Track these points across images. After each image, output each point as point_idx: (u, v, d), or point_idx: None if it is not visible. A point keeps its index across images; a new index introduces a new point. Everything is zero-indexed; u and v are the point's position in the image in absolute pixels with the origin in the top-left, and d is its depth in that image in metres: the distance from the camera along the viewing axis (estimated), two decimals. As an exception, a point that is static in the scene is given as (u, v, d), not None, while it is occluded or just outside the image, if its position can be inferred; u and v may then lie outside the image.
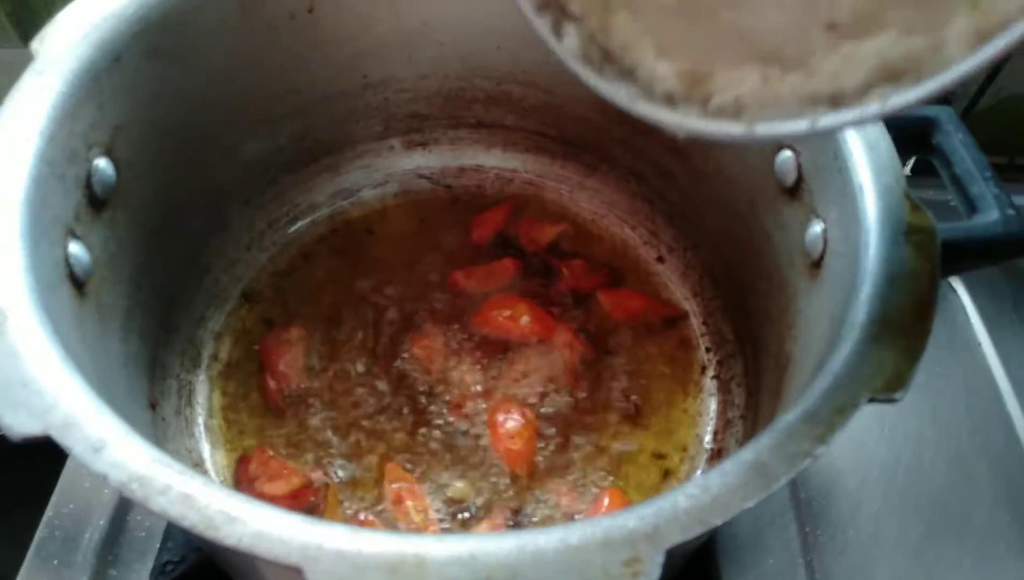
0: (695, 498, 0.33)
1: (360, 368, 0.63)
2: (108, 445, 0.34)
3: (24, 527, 0.59)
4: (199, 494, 0.33)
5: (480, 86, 0.71)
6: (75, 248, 0.46)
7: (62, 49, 0.48)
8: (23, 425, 0.34)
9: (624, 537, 0.32)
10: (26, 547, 0.58)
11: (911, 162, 0.80)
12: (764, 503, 0.33)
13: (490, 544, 0.32)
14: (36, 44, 0.48)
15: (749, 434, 0.60)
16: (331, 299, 0.67)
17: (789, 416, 0.36)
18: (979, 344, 0.74)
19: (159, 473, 0.33)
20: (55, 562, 0.57)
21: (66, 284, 0.44)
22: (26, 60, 0.48)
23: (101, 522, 0.59)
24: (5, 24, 0.95)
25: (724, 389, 0.63)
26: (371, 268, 0.68)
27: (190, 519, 0.32)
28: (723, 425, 0.61)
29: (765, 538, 0.62)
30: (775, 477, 0.34)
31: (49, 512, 0.59)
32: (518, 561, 0.31)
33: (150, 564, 0.57)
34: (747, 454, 0.35)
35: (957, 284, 0.77)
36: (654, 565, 0.32)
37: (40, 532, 0.58)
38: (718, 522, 0.33)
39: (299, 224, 0.71)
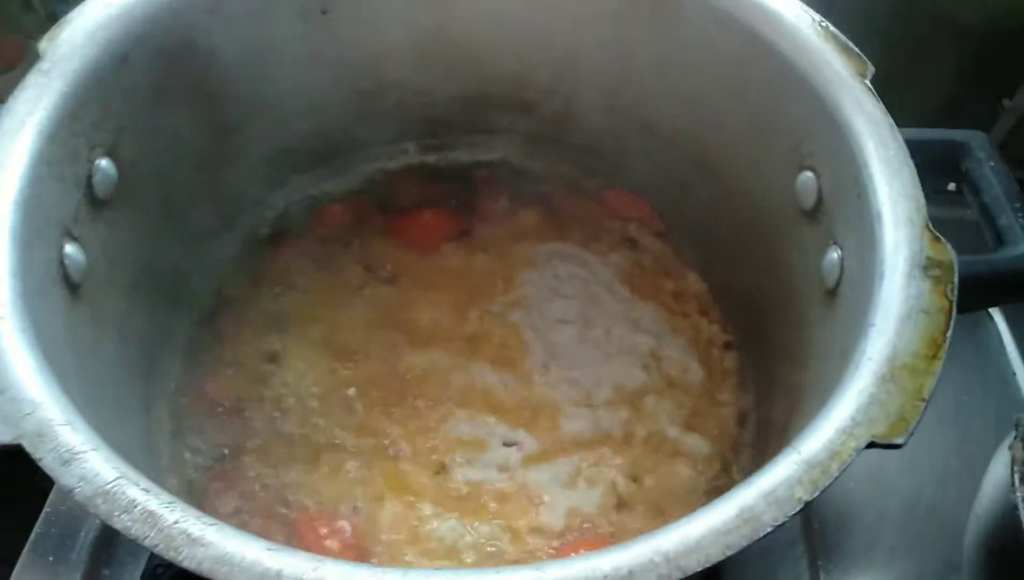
0: (675, 542, 0.32)
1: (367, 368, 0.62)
2: (77, 458, 0.33)
3: (23, 521, 0.60)
4: (163, 513, 0.32)
5: (497, 91, 0.69)
6: (71, 249, 0.46)
7: (69, 48, 0.48)
8: (-4, 433, 0.33)
9: (597, 582, 0.30)
10: (24, 541, 0.59)
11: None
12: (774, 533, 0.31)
13: (457, 581, 0.30)
14: (44, 44, 0.48)
15: (756, 461, 0.58)
16: (338, 301, 0.66)
17: (783, 458, 0.34)
18: (1014, 374, 0.71)
19: (125, 489, 0.32)
20: (50, 558, 0.58)
21: (59, 286, 0.44)
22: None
23: (97, 521, 0.59)
24: (41, 16, 0.96)
25: (734, 415, 0.61)
26: (380, 271, 0.67)
27: (151, 539, 0.31)
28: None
29: (774, 572, 0.60)
30: (762, 524, 0.32)
31: (47, 508, 0.59)
32: (483, 603, 0.30)
33: (142, 565, 0.57)
34: (735, 497, 0.33)
35: (995, 312, 0.73)
36: (628, 613, 0.30)
37: (37, 528, 0.58)
38: (696, 568, 0.31)
39: (308, 226, 0.70)
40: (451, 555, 0.53)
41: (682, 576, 0.31)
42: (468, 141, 0.73)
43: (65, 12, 0.49)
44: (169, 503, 0.32)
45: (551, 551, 0.53)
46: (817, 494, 0.33)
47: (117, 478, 0.32)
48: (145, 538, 0.31)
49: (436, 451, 0.59)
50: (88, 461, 0.33)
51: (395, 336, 0.64)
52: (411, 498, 0.56)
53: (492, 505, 0.56)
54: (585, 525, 0.54)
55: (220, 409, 0.60)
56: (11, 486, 0.64)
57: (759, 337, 0.62)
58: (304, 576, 0.30)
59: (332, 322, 0.64)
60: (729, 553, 0.31)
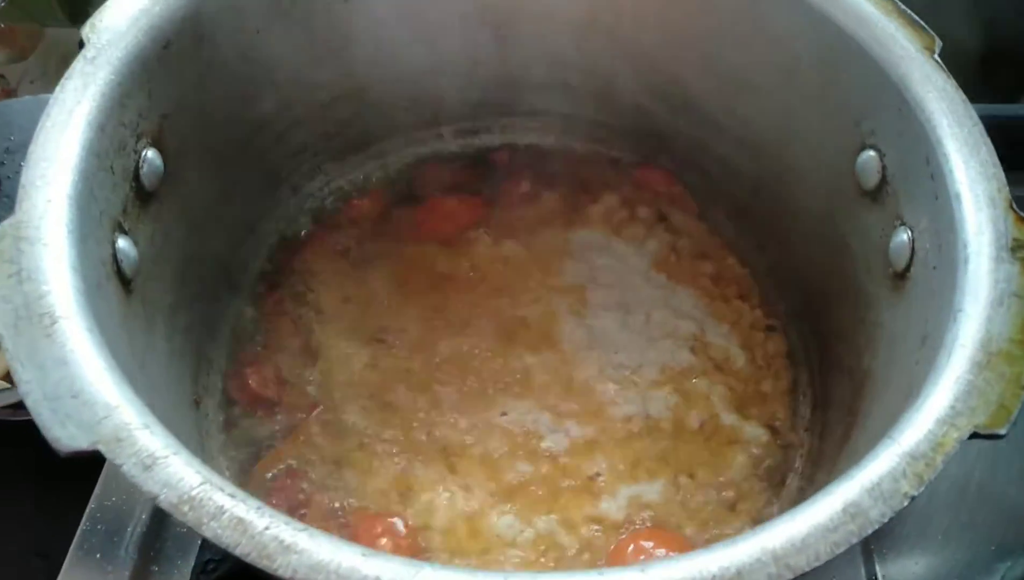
0: (782, 539, 0.31)
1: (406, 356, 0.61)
2: (158, 462, 0.32)
3: (66, 508, 0.59)
4: (253, 519, 0.31)
5: (535, 72, 0.68)
6: (123, 243, 0.44)
7: (112, 35, 0.46)
8: (72, 439, 0.32)
9: (705, 583, 0.30)
10: (71, 538, 0.58)
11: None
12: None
13: (560, 584, 0.30)
14: (87, 31, 0.46)
15: (815, 448, 0.57)
16: (372, 292, 0.64)
17: (883, 450, 0.33)
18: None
19: (212, 495, 0.31)
20: (98, 555, 0.57)
21: (113, 281, 0.43)
22: (72, 38, 0.46)
23: (143, 516, 0.58)
24: (53, 3, 0.94)
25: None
26: (420, 260, 0.66)
27: (243, 547, 0.30)
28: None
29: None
30: (870, 521, 0.31)
31: (92, 505, 0.58)
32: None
33: (192, 561, 0.56)
34: (837, 491, 0.32)
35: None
36: (736, 615, 0.29)
37: (83, 525, 0.57)
38: (805, 568, 0.30)
39: (346, 212, 0.68)
40: (510, 549, 0.53)
41: (791, 576, 0.30)
42: (503, 124, 0.72)
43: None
44: (257, 508, 0.31)
45: (615, 543, 0.52)
46: (923, 488, 0.32)
47: (202, 483, 0.31)
48: (236, 546, 0.30)
49: (483, 442, 0.57)
50: (170, 466, 0.32)
51: (432, 326, 0.63)
52: (462, 492, 0.55)
53: (547, 497, 0.55)
54: (646, 514, 0.54)
55: (264, 402, 0.59)
56: (55, 486, 0.64)
57: (811, 319, 0.61)
58: (403, 582, 0.29)
59: (368, 313, 0.63)
60: (839, 551, 0.30)
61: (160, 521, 0.58)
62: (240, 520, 0.31)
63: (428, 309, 0.63)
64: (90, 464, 0.59)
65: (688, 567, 0.30)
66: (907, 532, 0.61)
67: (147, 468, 0.32)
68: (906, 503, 0.32)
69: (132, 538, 0.57)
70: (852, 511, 0.31)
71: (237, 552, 0.30)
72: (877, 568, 0.59)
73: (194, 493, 0.31)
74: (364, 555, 0.30)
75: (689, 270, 0.66)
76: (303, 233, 0.66)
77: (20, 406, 0.65)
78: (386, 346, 0.61)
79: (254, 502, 0.31)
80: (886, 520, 0.31)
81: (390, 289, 0.64)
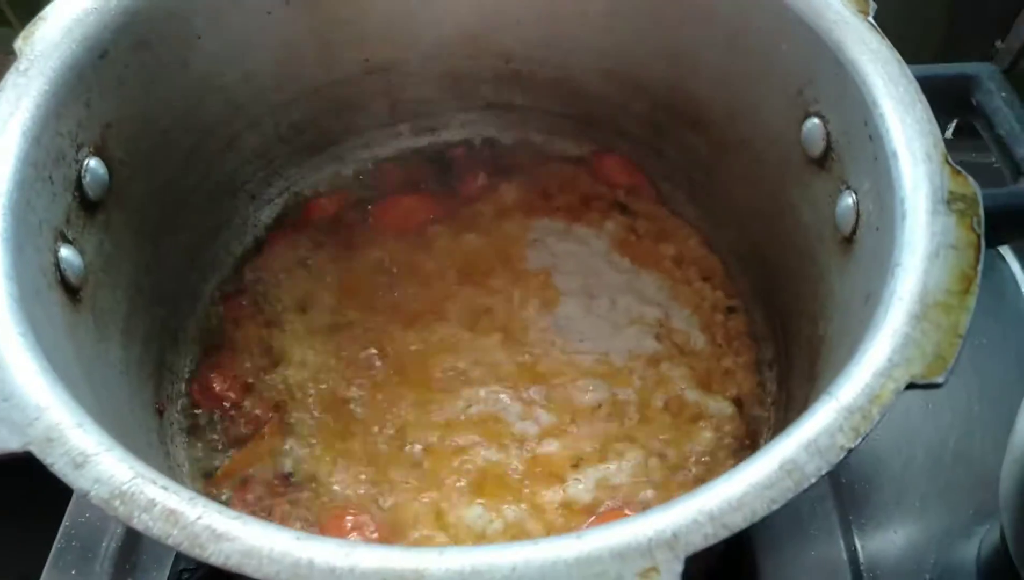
0: (718, 499, 0.31)
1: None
2: (90, 460, 0.32)
3: (45, 529, 0.59)
4: (185, 509, 0.31)
5: (488, 65, 0.68)
6: (66, 252, 0.44)
7: (46, 46, 0.46)
8: (3, 441, 0.32)
9: (640, 545, 0.29)
10: (45, 557, 0.57)
11: (951, 126, 0.76)
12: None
13: (496, 557, 0.29)
14: (19, 42, 0.46)
15: (781, 420, 0.56)
16: (334, 291, 0.64)
17: (820, 406, 0.33)
18: (1031, 315, 0.69)
19: (143, 488, 0.31)
20: (73, 572, 0.56)
21: (56, 290, 0.43)
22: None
23: (118, 530, 0.58)
24: (19, 32, 0.94)
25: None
26: (380, 258, 0.66)
27: (175, 537, 0.30)
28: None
29: (805, 527, 0.59)
30: (806, 475, 0.31)
31: (66, 522, 0.58)
32: (524, 576, 0.29)
33: (167, 572, 0.56)
34: (775, 450, 0.32)
35: (1006, 251, 0.72)
36: (672, 575, 0.29)
37: (57, 543, 0.57)
38: (743, 525, 0.30)
39: (305, 215, 0.68)
40: (480, 541, 0.52)
41: (729, 534, 0.30)
42: (462, 119, 0.72)
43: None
44: (190, 499, 0.31)
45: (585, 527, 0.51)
46: (860, 441, 0.32)
47: (133, 477, 0.31)
48: (168, 537, 0.30)
49: (451, 432, 0.57)
50: (102, 463, 0.32)
51: (395, 322, 0.62)
52: (430, 484, 0.55)
53: (516, 485, 0.55)
54: (614, 499, 0.53)
55: (228, 404, 0.59)
56: (26, 501, 0.63)
57: (771, 294, 0.61)
58: (337, 563, 0.29)
59: (331, 312, 0.63)
60: (775, 507, 0.30)
61: (135, 534, 0.58)
62: (172, 511, 0.30)
63: (389, 306, 0.63)
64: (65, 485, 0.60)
65: (623, 531, 0.30)
66: (884, 500, 0.61)
67: (78, 466, 0.31)
68: (843, 456, 0.31)
69: (107, 553, 0.57)
70: (788, 467, 0.31)
71: (169, 542, 0.30)
72: (856, 540, 0.59)
73: (125, 487, 0.31)
74: (298, 539, 0.30)
75: (651, 253, 0.66)
76: (263, 237, 0.66)
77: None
78: (349, 345, 0.61)
79: (187, 493, 0.31)
80: (823, 474, 0.31)
81: (350, 289, 0.64)
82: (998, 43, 0.89)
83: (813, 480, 0.31)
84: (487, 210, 0.69)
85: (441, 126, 0.72)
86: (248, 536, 0.30)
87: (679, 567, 0.29)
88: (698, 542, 0.29)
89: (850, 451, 0.32)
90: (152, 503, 0.31)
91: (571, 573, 0.29)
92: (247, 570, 0.29)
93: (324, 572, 0.29)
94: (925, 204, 0.39)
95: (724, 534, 0.30)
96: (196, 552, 0.29)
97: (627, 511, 0.52)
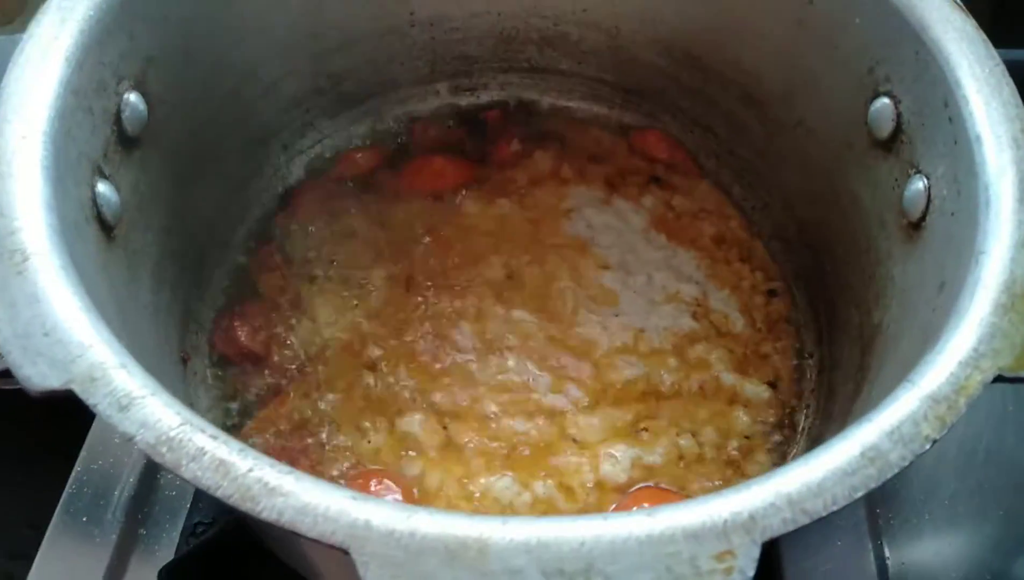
0: (797, 483, 0.29)
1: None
2: (135, 402, 0.30)
3: (56, 478, 0.57)
4: (236, 461, 0.29)
5: (536, 26, 0.66)
6: (103, 188, 0.42)
7: (90, -29, 0.44)
8: (43, 377, 0.31)
9: (716, 527, 0.28)
10: (56, 502, 0.56)
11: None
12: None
13: (563, 530, 0.28)
14: (64, -35, 0.44)
15: (822, 408, 0.55)
16: (362, 248, 0.62)
17: (903, 393, 0.32)
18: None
19: (192, 436, 0.29)
20: (84, 519, 0.55)
21: (93, 225, 0.41)
22: None
23: (131, 479, 0.56)
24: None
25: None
26: (410, 218, 0.64)
27: (225, 489, 0.28)
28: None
29: (832, 519, 0.57)
30: (889, 464, 0.29)
31: (78, 468, 0.57)
32: (593, 552, 0.27)
33: (180, 525, 0.55)
34: (855, 435, 0.31)
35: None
36: (749, 560, 0.27)
37: (69, 488, 0.56)
38: (823, 513, 0.29)
39: (338, 168, 0.66)
40: (507, 511, 0.51)
41: (808, 521, 0.28)
42: (502, 80, 0.69)
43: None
44: (240, 450, 0.29)
45: (613, 507, 0.50)
46: (945, 431, 0.30)
47: (181, 423, 0.30)
48: (218, 488, 0.28)
49: (480, 401, 0.56)
50: (148, 406, 0.30)
51: (424, 285, 0.61)
52: (456, 451, 0.54)
53: (546, 458, 0.53)
54: (648, 476, 0.52)
55: (252, 357, 0.57)
56: (37, 447, 0.62)
57: (817, 280, 0.59)
58: (396, 526, 0.28)
59: (357, 269, 0.61)
60: (856, 495, 0.29)
61: (148, 484, 0.56)
62: (222, 462, 0.29)
63: (419, 267, 0.61)
64: (79, 431, 0.58)
65: (698, 511, 0.28)
66: (914, 496, 0.60)
67: (123, 408, 0.30)
68: (928, 446, 0.30)
69: (119, 502, 0.56)
70: (871, 455, 0.30)
71: (219, 494, 0.28)
72: (882, 535, 0.58)
73: (173, 434, 0.29)
74: (354, 498, 0.28)
75: (690, 231, 0.64)
76: (294, 189, 0.64)
77: (5, 374, 0.63)
78: (376, 305, 0.59)
79: (237, 444, 0.30)
80: (907, 464, 0.30)
81: (380, 247, 0.62)
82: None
83: (896, 470, 0.29)
84: (520, 177, 0.67)
85: (480, 87, 0.70)
86: (302, 492, 0.28)
87: (756, 551, 0.27)
88: (776, 527, 0.28)
89: (935, 442, 0.30)
90: (201, 451, 0.29)
91: (643, 551, 0.27)
92: (301, 528, 0.27)
93: (383, 535, 0.27)
94: (1012, 191, 0.38)
95: (803, 520, 0.28)
96: (248, 506, 0.28)
97: (663, 492, 0.51)
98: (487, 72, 0.69)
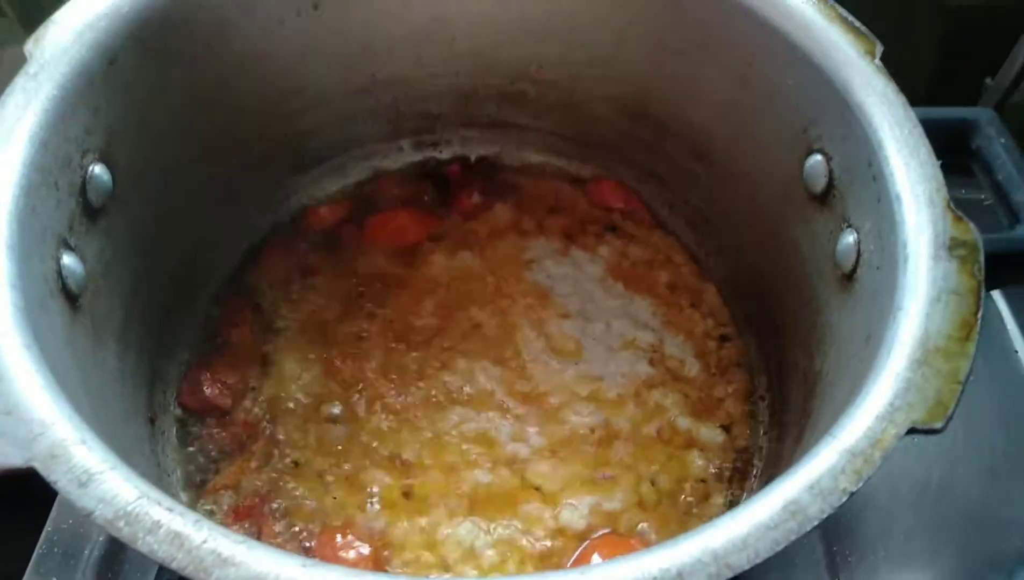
0: (723, 539, 0.31)
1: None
2: (94, 478, 0.32)
3: (25, 540, 0.58)
4: (190, 532, 0.30)
5: (494, 84, 0.68)
6: (68, 260, 0.44)
7: (56, 51, 0.46)
8: (5, 457, 0.32)
9: (646, 584, 0.29)
10: (26, 561, 0.57)
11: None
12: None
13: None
14: (30, 46, 0.46)
15: (773, 451, 0.57)
16: (328, 304, 0.64)
17: (823, 448, 0.34)
18: (1016, 352, 0.71)
19: (148, 509, 0.31)
20: (54, 579, 0.56)
21: (58, 298, 0.42)
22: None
23: (101, 538, 0.57)
24: (14, 22, 0.93)
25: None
26: (374, 272, 0.66)
27: (179, 561, 0.30)
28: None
29: (790, 557, 0.59)
30: (809, 518, 0.31)
31: (48, 527, 0.57)
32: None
33: (151, 581, 0.55)
34: (778, 490, 0.32)
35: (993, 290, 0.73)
36: (677, 615, 0.29)
37: (39, 549, 0.56)
38: (746, 566, 0.31)
39: (304, 224, 0.68)
40: (469, 559, 0.52)
41: (731, 575, 0.30)
42: (464, 136, 0.72)
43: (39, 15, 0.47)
44: (195, 521, 0.31)
45: (574, 553, 0.52)
46: (861, 484, 0.32)
47: (138, 498, 0.31)
48: (172, 560, 0.30)
49: (442, 451, 0.57)
50: (106, 481, 0.31)
51: (388, 337, 0.63)
52: (422, 501, 0.55)
53: (507, 506, 0.55)
54: (607, 526, 0.53)
55: (217, 410, 0.58)
56: (10, 507, 0.62)
57: (767, 324, 0.61)
58: (343, 593, 0.29)
59: (324, 325, 0.63)
60: (778, 548, 0.30)
61: (118, 542, 0.56)
62: (177, 534, 0.30)
63: (383, 320, 0.63)
64: (47, 491, 0.59)
65: (629, 569, 0.30)
66: (869, 532, 0.61)
67: (82, 484, 0.31)
68: (844, 499, 0.32)
69: (89, 561, 0.56)
70: (792, 508, 0.31)
71: (174, 566, 0.29)
72: (840, 570, 0.59)
73: (130, 508, 0.31)
74: (304, 566, 0.30)
75: (645, 278, 0.67)
76: (260, 245, 0.66)
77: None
78: (340, 358, 0.61)
79: (192, 516, 0.31)
80: (825, 516, 0.31)
81: (344, 301, 0.64)
82: (988, 80, 0.91)
83: (816, 522, 0.31)
84: (481, 229, 0.69)
85: (442, 142, 0.72)
86: (254, 562, 0.30)
87: (683, 606, 0.29)
88: (702, 582, 0.30)
89: (852, 495, 0.32)
90: (157, 525, 0.30)
91: (577, 609, 0.29)
92: (252, 597, 0.29)
93: (330, 602, 0.29)
94: (927, 249, 0.40)
95: (727, 574, 0.30)
96: (201, 577, 0.29)
97: (622, 539, 0.52)
98: (448, 128, 0.71)
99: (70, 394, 0.36)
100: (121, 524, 0.30)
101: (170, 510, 0.31)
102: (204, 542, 0.30)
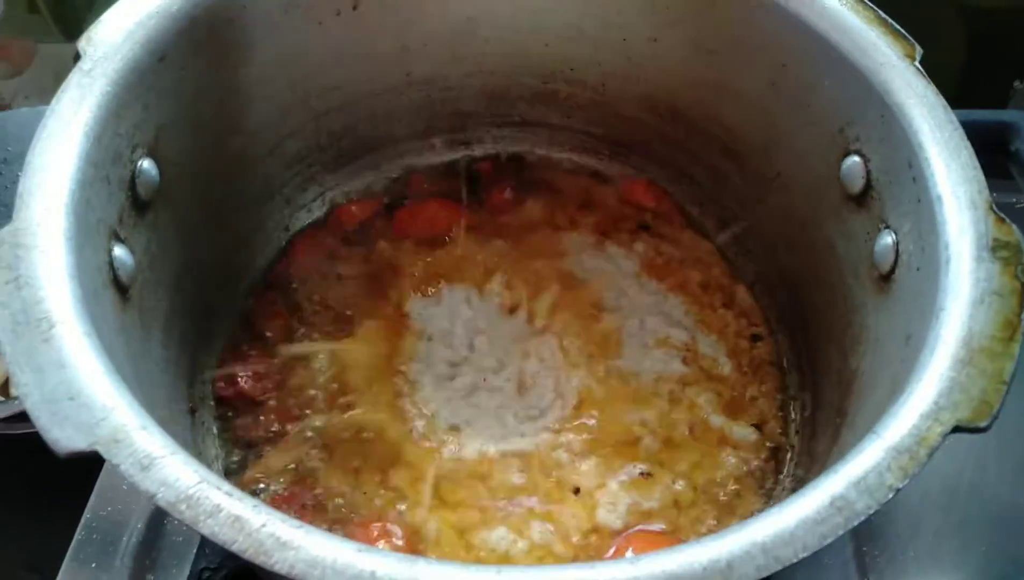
0: (771, 532, 0.31)
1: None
2: (156, 462, 0.32)
3: (65, 524, 0.59)
4: (250, 516, 0.31)
5: (526, 84, 0.69)
6: (119, 251, 0.45)
7: (108, 48, 0.47)
8: (70, 440, 0.33)
9: (696, 573, 0.30)
10: (66, 547, 0.58)
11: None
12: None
13: (553, 576, 0.30)
14: (83, 43, 0.47)
15: (806, 450, 0.57)
16: (363, 297, 0.65)
17: (867, 445, 0.34)
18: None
19: (208, 493, 0.32)
20: (93, 565, 0.57)
21: (110, 289, 0.43)
22: (66, 54, 0.46)
23: (139, 525, 0.58)
24: (48, 19, 0.95)
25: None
26: (406, 263, 0.66)
27: (240, 544, 0.30)
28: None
29: (819, 557, 0.59)
30: (856, 513, 0.32)
31: (87, 514, 0.58)
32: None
33: (187, 570, 0.56)
34: (824, 485, 0.33)
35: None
36: (725, 607, 0.30)
37: (78, 535, 0.57)
38: (793, 559, 0.31)
39: (337, 219, 0.69)
40: (505, 562, 0.53)
41: (779, 567, 0.30)
42: (496, 135, 0.72)
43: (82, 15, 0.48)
44: (254, 506, 0.31)
45: (611, 552, 0.52)
46: (907, 481, 0.33)
47: (199, 482, 0.32)
48: (233, 543, 0.30)
49: (475, 447, 0.58)
50: (167, 466, 0.32)
51: (418, 327, 0.63)
52: (453, 502, 0.55)
53: (543, 506, 0.55)
54: (644, 523, 0.54)
55: (254, 403, 0.59)
56: (49, 495, 0.63)
57: (799, 324, 0.62)
58: (399, 576, 0.30)
59: (357, 318, 0.63)
60: (825, 542, 0.31)
61: (156, 530, 0.58)
62: (237, 518, 0.31)
63: (416, 311, 0.63)
64: (83, 477, 0.60)
65: (678, 559, 0.30)
66: (899, 532, 0.62)
67: (144, 468, 0.32)
68: (891, 495, 0.32)
69: (128, 547, 0.57)
70: (839, 504, 0.32)
71: (234, 548, 0.30)
72: (869, 571, 0.59)
73: (191, 491, 0.31)
74: (359, 550, 0.30)
75: (678, 276, 0.67)
76: (294, 239, 0.67)
77: (14, 419, 0.65)
78: (373, 351, 0.61)
79: (251, 500, 0.32)
80: (872, 512, 0.32)
81: (378, 292, 0.64)
82: (1016, 83, 0.91)
83: (863, 518, 0.32)
84: (514, 222, 0.69)
85: (474, 140, 0.73)
86: (311, 546, 0.30)
87: (733, 597, 0.30)
88: (751, 573, 0.30)
89: (898, 491, 0.32)
90: (218, 508, 0.31)
91: (626, 600, 0.29)
92: (310, 579, 0.30)
93: (387, 586, 0.30)
94: (970, 250, 0.40)
95: (775, 567, 0.30)
96: (261, 559, 0.30)
97: (657, 536, 0.53)
98: (480, 126, 0.72)
99: (126, 382, 0.37)
100: (183, 507, 0.31)
101: (229, 495, 0.32)
102: (263, 526, 0.31)
